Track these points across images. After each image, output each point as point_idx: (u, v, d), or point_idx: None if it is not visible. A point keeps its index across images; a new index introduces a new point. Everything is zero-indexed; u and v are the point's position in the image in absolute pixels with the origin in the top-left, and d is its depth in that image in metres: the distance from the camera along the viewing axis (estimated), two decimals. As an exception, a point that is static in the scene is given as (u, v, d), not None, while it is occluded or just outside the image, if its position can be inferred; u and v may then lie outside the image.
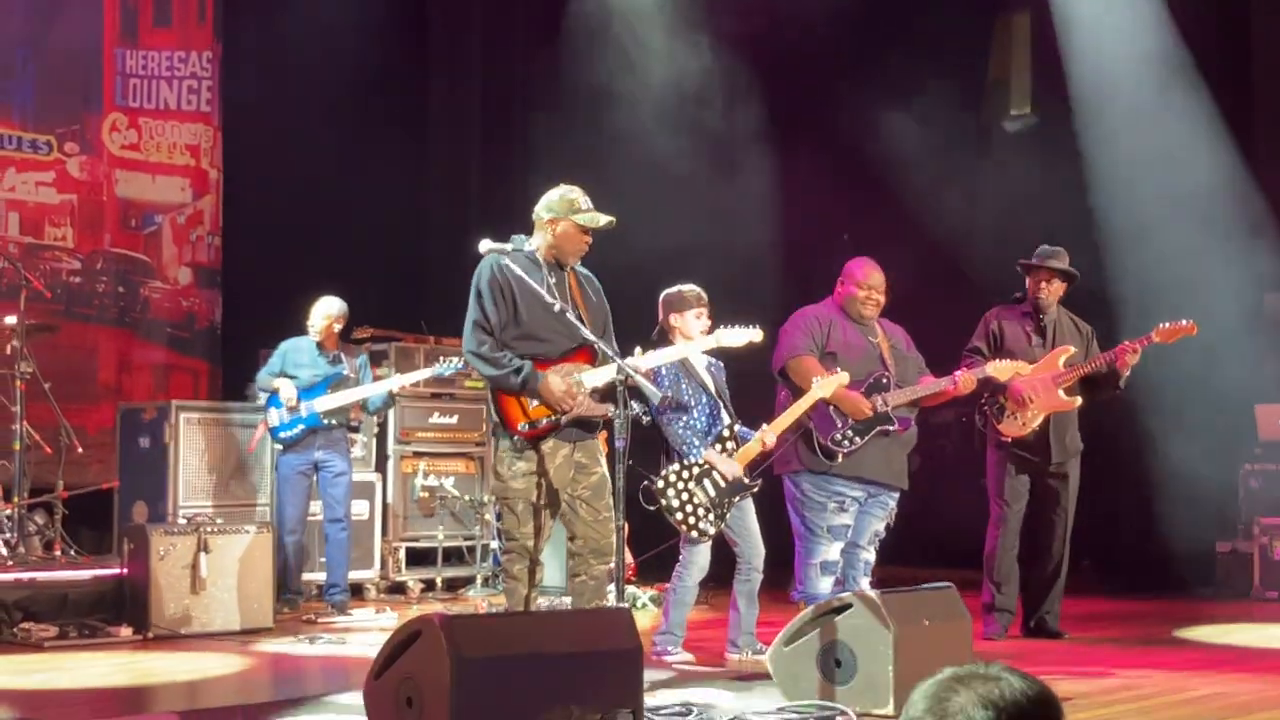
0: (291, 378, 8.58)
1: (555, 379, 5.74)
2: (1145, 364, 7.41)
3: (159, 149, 11.38)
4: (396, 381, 8.87)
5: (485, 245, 5.83)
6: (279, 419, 8.56)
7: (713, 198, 10.84)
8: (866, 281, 6.89)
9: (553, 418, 5.76)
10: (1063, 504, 7.46)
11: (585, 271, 6.07)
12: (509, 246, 5.85)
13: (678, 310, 6.71)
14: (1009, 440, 7.35)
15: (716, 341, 6.37)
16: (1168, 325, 7.23)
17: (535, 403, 5.77)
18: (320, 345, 8.71)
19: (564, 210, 5.89)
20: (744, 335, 6.31)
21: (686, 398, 6.64)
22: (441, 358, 9.21)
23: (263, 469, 9.37)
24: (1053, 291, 7.46)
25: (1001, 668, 2.00)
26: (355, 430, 9.26)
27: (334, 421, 8.62)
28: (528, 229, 6.00)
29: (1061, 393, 7.29)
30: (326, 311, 8.70)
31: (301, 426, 8.54)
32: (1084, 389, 7.41)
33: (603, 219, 5.91)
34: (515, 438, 5.77)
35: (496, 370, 5.78)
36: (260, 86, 11.26)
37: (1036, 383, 7.24)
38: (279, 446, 8.69)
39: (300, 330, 8.79)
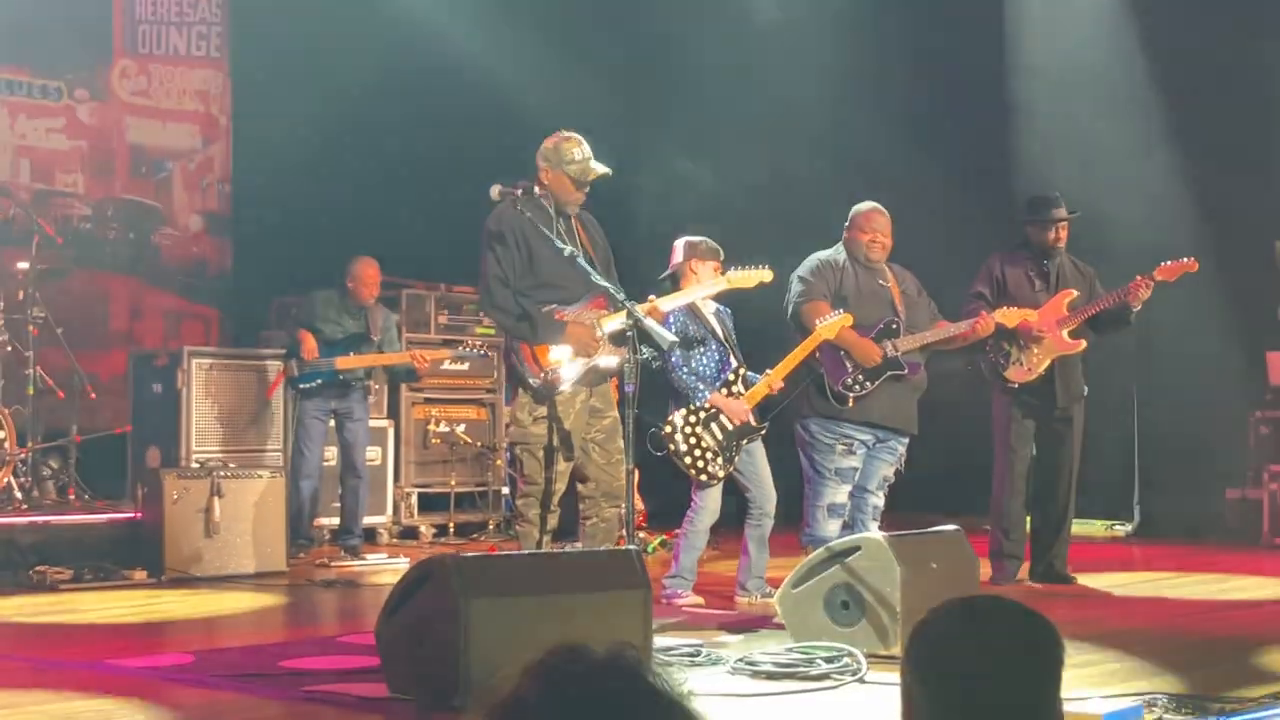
0: (317, 331, 8.61)
1: (576, 326, 5.76)
2: (1156, 307, 7.40)
3: (169, 95, 11.35)
4: (405, 357, 8.92)
5: (497, 191, 5.81)
6: (297, 369, 8.61)
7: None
8: (870, 225, 6.90)
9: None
10: (1068, 449, 7.46)
11: (586, 214, 6.07)
12: (519, 192, 5.82)
13: (701, 259, 6.69)
14: (1015, 386, 7.36)
15: (727, 282, 6.38)
16: (1169, 263, 7.22)
17: (556, 350, 5.79)
18: (349, 302, 8.73)
19: (555, 161, 5.89)
20: (754, 276, 6.32)
21: (692, 336, 6.67)
22: (462, 346, 9.46)
23: (273, 415, 9.40)
24: (1064, 239, 7.46)
25: (1000, 598, 2.02)
26: (369, 377, 9.28)
27: (352, 380, 8.68)
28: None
29: (1066, 335, 7.30)
30: (352, 271, 8.70)
31: (319, 381, 8.60)
32: (1091, 329, 7.41)
33: (595, 170, 5.89)
34: (539, 386, 5.78)
35: (515, 322, 5.80)
36: (270, 31, 11.21)
37: (1043, 324, 7.26)
38: (296, 395, 8.76)
39: (313, 277, 8.81)
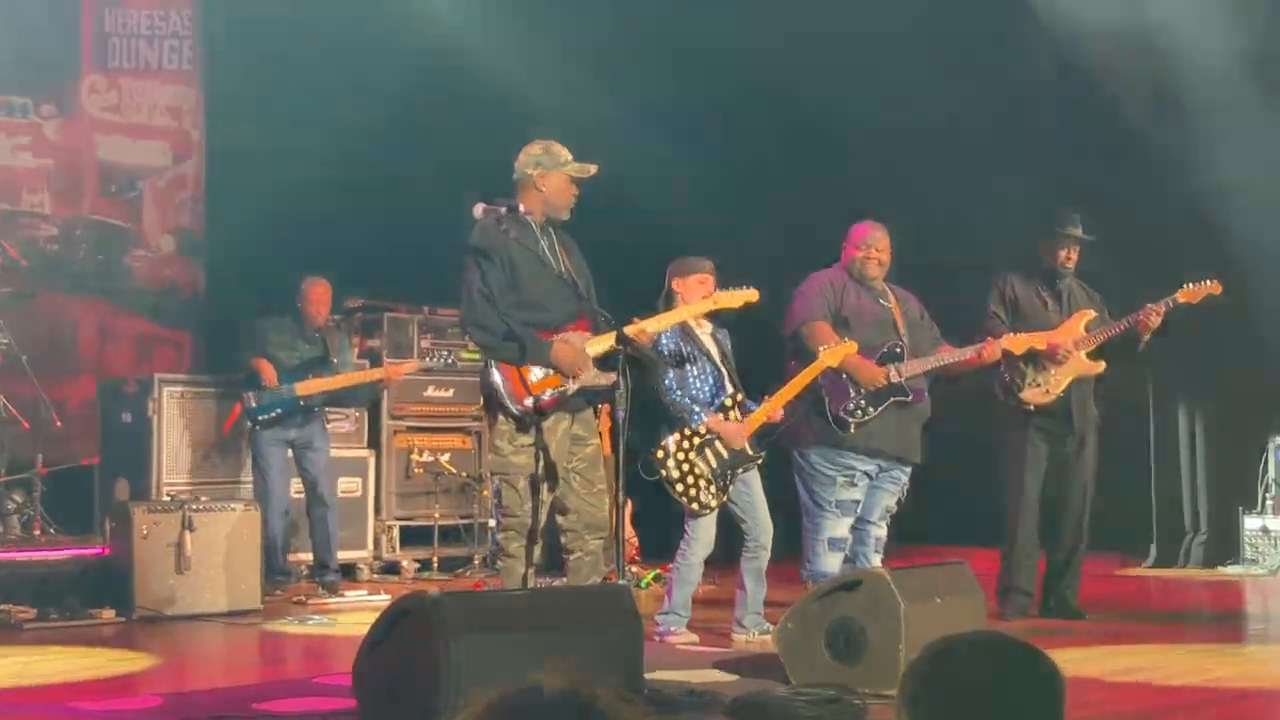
0: (272, 358, 8.38)
1: (563, 346, 5.65)
2: (1174, 330, 7.20)
3: (139, 110, 11.09)
4: (378, 374, 8.74)
5: (480, 209, 5.73)
6: (255, 401, 8.35)
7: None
8: (866, 241, 6.76)
9: (558, 389, 5.65)
10: (1081, 477, 7.26)
11: (565, 235, 5.99)
12: (504, 210, 5.73)
13: (681, 275, 6.60)
14: (1030, 408, 7.14)
15: (713, 303, 6.32)
16: (1192, 285, 7.01)
17: (539, 375, 5.66)
18: (303, 325, 8.54)
19: (552, 164, 5.83)
20: (740, 295, 6.25)
21: (686, 356, 6.55)
22: (431, 354, 9.14)
23: (247, 445, 9.13)
24: (1075, 260, 7.29)
25: (1001, 635, 1.98)
26: (333, 403, 9.06)
27: (314, 406, 8.48)
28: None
29: (1085, 356, 7.09)
30: (303, 292, 8.53)
31: (278, 411, 8.36)
32: (1101, 356, 7.21)
33: (591, 168, 5.86)
34: (520, 412, 5.63)
35: (500, 341, 5.66)
36: (243, 43, 11.01)
37: (1064, 345, 7.06)
38: (254, 426, 8.49)
39: (285, 303, 8.59)
